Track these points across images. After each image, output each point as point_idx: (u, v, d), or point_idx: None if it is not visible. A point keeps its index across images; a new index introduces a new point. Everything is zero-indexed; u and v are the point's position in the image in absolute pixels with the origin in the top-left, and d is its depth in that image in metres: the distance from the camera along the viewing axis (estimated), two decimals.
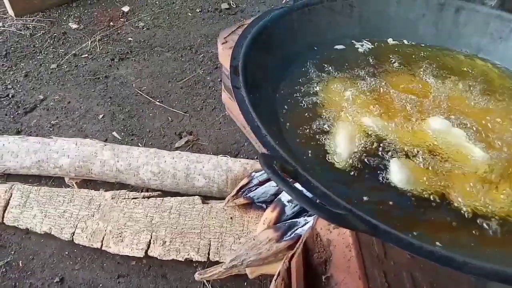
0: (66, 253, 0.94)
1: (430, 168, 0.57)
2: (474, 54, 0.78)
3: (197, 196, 0.98)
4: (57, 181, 1.09)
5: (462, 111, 0.67)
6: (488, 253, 0.48)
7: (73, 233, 0.93)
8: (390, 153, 0.58)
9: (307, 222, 0.76)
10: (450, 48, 0.79)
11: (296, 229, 0.76)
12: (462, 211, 0.51)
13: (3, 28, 1.67)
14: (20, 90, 1.39)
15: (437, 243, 0.46)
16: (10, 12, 1.74)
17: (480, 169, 0.57)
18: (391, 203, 0.52)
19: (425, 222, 0.51)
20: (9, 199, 0.99)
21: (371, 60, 0.76)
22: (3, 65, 1.49)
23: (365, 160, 0.56)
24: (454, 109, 0.67)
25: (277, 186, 0.89)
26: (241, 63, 0.61)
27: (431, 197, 0.53)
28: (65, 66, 1.50)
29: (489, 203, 0.52)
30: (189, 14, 1.85)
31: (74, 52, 1.57)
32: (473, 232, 0.49)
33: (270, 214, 0.84)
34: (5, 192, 0.99)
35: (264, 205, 0.91)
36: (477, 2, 0.77)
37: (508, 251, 0.48)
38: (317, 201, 0.42)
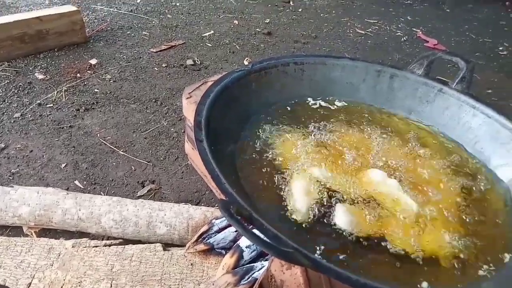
0: None
1: (369, 213, 0.65)
2: (407, 114, 0.90)
3: (159, 243, 1.01)
4: (14, 230, 1.07)
5: (397, 164, 0.77)
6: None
7: (30, 284, 0.91)
8: (335, 200, 0.66)
9: (263, 266, 0.81)
10: (387, 109, 0.91)
11: (253, 273, 0.80)
12: (394, 251, 0.59)
13: None
14: None
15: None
16: None
17: (410, 215, 0.65)
18: (335, 243, 0.59)
19: (364, 259, 0.58)
20: None
21: (320, 117, 0.86)
22: None
23: (317, 209, 0.64)
24: (390, 161, 0.77)
25: (235, 231, 0.94)
26: (204, 118, 0.68)
27: (370, 237, 0.61)
28: (29, 115, 1.52)
29: (416, 245, 0.61)
30: (155, 68, 1.94)
31: (39, 101, 1.59)
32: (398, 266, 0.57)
33: (229, 259, 0.88)
34: None
35: (223, 251, 0.95)
36: (408, 71, 0.91)
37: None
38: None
